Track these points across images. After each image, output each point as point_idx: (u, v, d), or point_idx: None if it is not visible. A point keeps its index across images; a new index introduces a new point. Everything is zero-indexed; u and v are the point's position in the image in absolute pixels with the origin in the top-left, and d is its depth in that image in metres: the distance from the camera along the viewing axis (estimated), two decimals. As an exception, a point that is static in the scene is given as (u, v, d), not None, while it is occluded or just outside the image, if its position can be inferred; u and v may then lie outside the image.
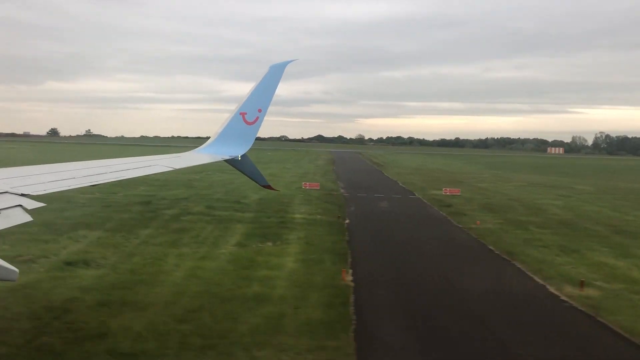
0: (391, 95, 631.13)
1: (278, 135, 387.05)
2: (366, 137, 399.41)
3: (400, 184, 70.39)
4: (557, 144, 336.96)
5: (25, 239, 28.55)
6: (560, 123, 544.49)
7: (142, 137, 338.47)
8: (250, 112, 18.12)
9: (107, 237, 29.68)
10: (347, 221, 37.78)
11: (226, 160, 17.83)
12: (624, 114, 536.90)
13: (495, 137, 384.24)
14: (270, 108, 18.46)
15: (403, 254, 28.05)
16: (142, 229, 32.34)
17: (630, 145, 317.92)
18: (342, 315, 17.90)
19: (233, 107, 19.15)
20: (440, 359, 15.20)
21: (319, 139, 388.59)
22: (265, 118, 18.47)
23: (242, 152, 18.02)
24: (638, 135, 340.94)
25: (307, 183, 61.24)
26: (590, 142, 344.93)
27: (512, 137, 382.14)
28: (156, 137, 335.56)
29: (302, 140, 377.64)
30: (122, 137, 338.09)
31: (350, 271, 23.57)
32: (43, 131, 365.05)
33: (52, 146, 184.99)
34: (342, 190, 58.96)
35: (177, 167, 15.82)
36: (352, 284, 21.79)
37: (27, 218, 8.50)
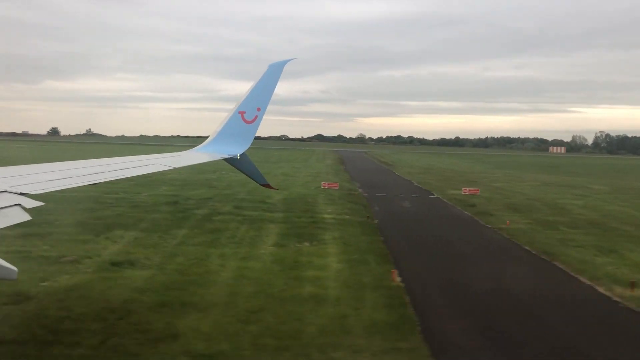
0: (390, 95, 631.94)
1: (278, 135, 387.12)
2: (366, 137, 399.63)
3: (416, 184, 70.42)
4: (557, 143, 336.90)
5: (64, 239, 28.68)
6: (559, 122, 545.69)
7: (141, 136, 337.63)
8: (249, 111, 18.16)
9: (144, 238, 29.74)
10: (375, 221, 37.80)
11: (225, 159, 17.86)
12: (623, 113, 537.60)
13: (495, 137, 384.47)
14: (269, 107, 18.47)
15: (442, 255, 28.09)
16: (176, 229, 32.38)
17: (631, 145, 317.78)
18: (403, 316, 17.95)
19: (232, 106, 19.14)
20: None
21: (319, 138, 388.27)
22: (264, 117, 18.55)
23: (241, 151, 18.07)
24: (638, 135, 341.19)
25: (326, 183, 61.27)
26: (590, 141, 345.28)
27: (511, 137, 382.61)
28: (157, 136, 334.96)
29: (302, 140, 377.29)
30: (123, 137, 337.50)
31: (396, 272, 23.59)
32: (41, 130, 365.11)
33: (57, 145, 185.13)
34: (360, 190, 58.98)
35: (177, 166, 15.84)
36: (401, 285, 21.82)
37: (26, 217, 8.50)
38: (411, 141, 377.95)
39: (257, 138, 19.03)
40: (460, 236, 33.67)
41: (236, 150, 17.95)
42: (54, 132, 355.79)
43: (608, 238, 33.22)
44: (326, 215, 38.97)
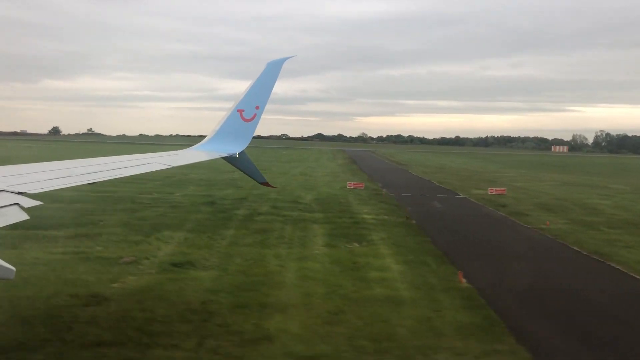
0: (389, 94, 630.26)
1: (279, 134, 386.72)
2: (362, 136, 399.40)
3: (436, 184, 70.39)
4: (557, 142, 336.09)
5: (115, 240, 28.73)
6: (558, 121, 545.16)
7: (140, 135, 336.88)
8: (248, 110, 18.09)
9: (194, 238, 29.75)
10: (413, 221, 37.78)
11: (224, 158, 17.79)
12: (621, 112, 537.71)
13: (496, 136, 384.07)
14: (268, 106, 18.43)
15: (497, 256, 28.11)
16: (223, 229, 32.39)
17: (631, 144, 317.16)
18: (487, 318, 17.96)
19: (230, 105, 19.03)
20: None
21: (319, 137, 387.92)
22: (263, 116, 18.47)
23: (240, 150, 17.98)
24: (638, 134, 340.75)
25: (351, 183, 61.28)
26: (590, 140, 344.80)
27: (511, 136, 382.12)
28: (158, 136, 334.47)
29: (302, 139, 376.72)
30: (124, 136, 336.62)
31: (462, 273, 23.53)
32: (40, 129, 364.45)
33: (63, 145, 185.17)
34: (384, 190, 58.90)
35: (175, 164, 15.80)
36: (468, 285, 21.82)
37: (24, 216, 8.39)
38: (411, 140, 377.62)
39: (258, 137, 19.01)
40: (505, 237, 33.68)
41: (235, 148, 17.93)
42: (55, 131, 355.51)
43: (653, 238, 33.22)
44: (365, 216, 38.95)
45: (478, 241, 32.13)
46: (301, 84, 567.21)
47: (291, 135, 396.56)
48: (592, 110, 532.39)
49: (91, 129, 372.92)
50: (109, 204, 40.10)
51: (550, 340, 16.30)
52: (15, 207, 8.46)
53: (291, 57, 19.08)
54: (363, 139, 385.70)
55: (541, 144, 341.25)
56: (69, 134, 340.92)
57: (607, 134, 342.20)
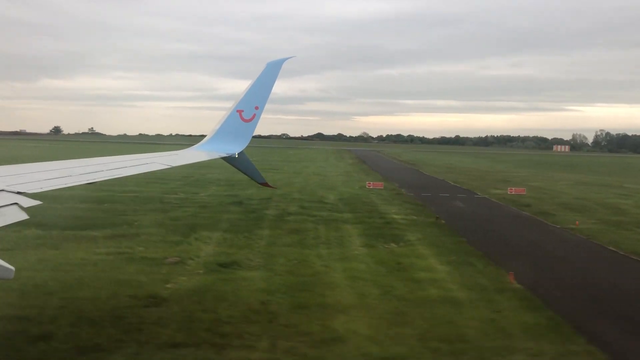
0: (388, 93, 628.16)
1: (279, 134, 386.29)
2: (363, 136, 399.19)
3: (452, 183, 70.40)
4: (557, 141, 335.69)
5: (154, 240, 28.76)
6: (557, 121, 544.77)
7: (140, 135, 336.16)
8: (247, 110, 18.12)
9: (232, 238, 29.76)
10: (442, 221, 37.77)
11: (223, 158, 17.82)
12: (620, 111, 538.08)
13: (496, 135, 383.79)
14: (267, 106, 18.49)
15: (537, 256, 28.12)
16: (257, 229, 32.41)
17: (631, 143, 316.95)
18: (551, 319, 17.98)
19: (229, 104, 19.12)
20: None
21: (320, 136, 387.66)
22: (262, 116, 18.51)
23: (240, 150, 18.01)
24: (637, 133, 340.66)
25: (371, 183, 61.31)
26: (590, 140, 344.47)
27: (511, 135, 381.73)
28: (159, 135, 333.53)
29: (302, 139, 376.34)
30: (125, 135, 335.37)
31: (513, 274, 23.48)
32: (39, 129, 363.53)
33: (69, 145, 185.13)
34: (403, 190, 58.87)
35: (175, 164, 15.84)
36: (519, 286, 21.83)
37: (23, 216, 8.42)
38: (411, 140, 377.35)
39: (258, 137, 19.02)
40: (538, 237, 33.68)
41: (234, 148, 17.94)
42: (57, 130, 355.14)
43: (687, 238, 33.24)
44: (394, 216, 38.96)
45: (513, 242, 32.15)
46: (300, 83, 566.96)
47: (291, 135, 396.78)
48: (591, 109, 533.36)
49: (92, 128, 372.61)
50: (138, 204, 40.12)
51: (621, 341, 16.33)
52: (15, 206, 8.50)
53: (290, 57, 19.12)
54: (364, 139, 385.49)
55: (541, 144, 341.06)
56: (69, 134, 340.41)
57: (607, 134, 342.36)
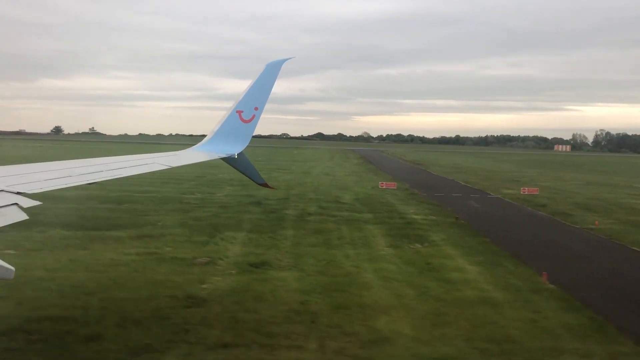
0: (387, 93, 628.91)
1: (279, 133, 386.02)
2: (364, 135, 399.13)
3: (462, 183, 70.44)
4: (557, 141, 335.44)
5: (181, 241, 28.81)
6: (556, 120, 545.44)
7: (140, 134, 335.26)
8: (247, 110, 18.08)
9: (257, 238, 29.83)
10: (461, 221, 37.80)
11: (223, 159, 17.83)
12: (619, 111, 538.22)
13: (496, 135, 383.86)
14: (267, 105, 18.46)
15: (563, 256, 28.22)
16: (280, 229, 32.47)
17: (631, 143, 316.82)
18: (592, 319, 18.01)
19: (229, 104, 19.09)
20: None
21: (320, 136, 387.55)
22: (262, 116, 18.47)
23: (239, 150, 17.99)
24: (638, 133, 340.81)
25: (384, 183, 61.36)
26: (590, 139, 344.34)
27: (510, 135, 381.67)
28: (159, 135, 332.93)
29: (303, 138, 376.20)
30: (126, 135, 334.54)
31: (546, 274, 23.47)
32: (38, 129, 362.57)
33: (72, 145, 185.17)
34: (416, 190, 58.92)
35: (174, 165, 15.88)
36: (552, 286, 21.86)
37: (23, 216, 8.35)
38: (412, 139, 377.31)
39: (258, 137, 18.95)
40: (560, 237, 33.71)
41: (234, 149, 17.90)
42: (57, 130, 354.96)
43: None
44: (414, 216, 39.00)
45: (537, 242, 32.16)
46: (300, 83, 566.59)
47: (291, 135, 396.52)
48: (590, 109, 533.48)
49: (93, 128, 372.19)
50: (157, 205, 40.17)
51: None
52: (14, 207, 8.50)
53: (290, 58, 19.12)
54: (365, 139, 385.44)
55: (541, 143, 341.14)
56: (69, 134, 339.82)
57: (608, 133, 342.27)
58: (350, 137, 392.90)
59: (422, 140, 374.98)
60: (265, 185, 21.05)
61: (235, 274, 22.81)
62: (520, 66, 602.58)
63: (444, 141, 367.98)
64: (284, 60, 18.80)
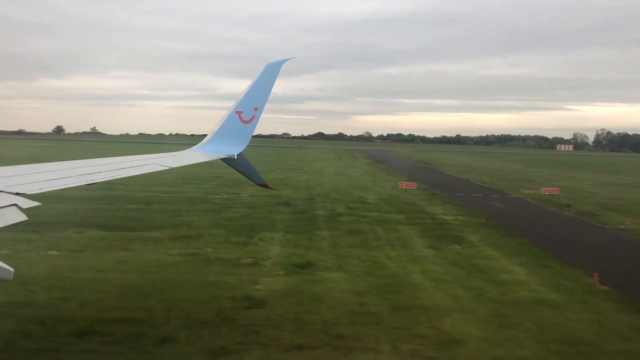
0: (386, 93, 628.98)
1: (280, 133, 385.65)
2: (365, 135, 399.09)
3: (479, 183, 70.36)
4: (558, 140, 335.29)
5: (220, 241, 28.80)
6: (555, 120, 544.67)
7: (140, 134, 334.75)
8: (247, 111, 18.09)
9: (294, 239, 29.79)
10: (492, 222, 37.73)
11: (222, 159, 17.83)
12: (618, 111, 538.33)
13: (496, 134, 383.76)
14: (266, 105, 18.48)
15: (604, 257, 28.13)
16: (315, 230, 32.43)
17: (632, 142, 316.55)
18: (657, 321, 17.97)
19: (228, 104, 19.12)
20: None
21: (320, 136, 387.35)
22: (262, 115, 18.50)
23: (239, 151, 17.99)
24: (638, 132, 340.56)
25: (404, 183, 61.32)
26: (591, 139, 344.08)
27: (511, 135, 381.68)
28: (161, 135, 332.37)
29: (303, 138, 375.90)
30: (127, 135, 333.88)
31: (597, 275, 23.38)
32: (37, 128, 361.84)
33: (76, 144, 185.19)
34: (435, 190, 58.82)
35: (174, 165, 15.85)
36: (605, 287, 21.78)
37: (22, 217, 8.28)
38: (412, 139, 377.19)
39: (259, 136, 18.87)
40: (593, 237, 33.68)
41: (233, 150, 17.89)
42: (59, 130, 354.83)
43: None
44: (444, 217, 38.97)
45: (573, 242, 32.08)
46: (299, 82, 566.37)
47: (292, 134, 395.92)
48: (589, 109, 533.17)
49: (94, 128, 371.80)
50: (186, 205, 40.13)
51: None
52: (14, 207, 8.46)
53: (289, 58, 19.12)
54: (366, 138, 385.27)
55: (542, 143, 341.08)
56: (69, 133, 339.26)
57: (608, 133, 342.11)
58: (351, 136, 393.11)
59: (423, 140, 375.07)
60: (264, 185, 21.04)
61: (283, 275, 22.77)
62: (520, 66, 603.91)
63: (444, 141, 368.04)
64: (283, 61, 18.81)
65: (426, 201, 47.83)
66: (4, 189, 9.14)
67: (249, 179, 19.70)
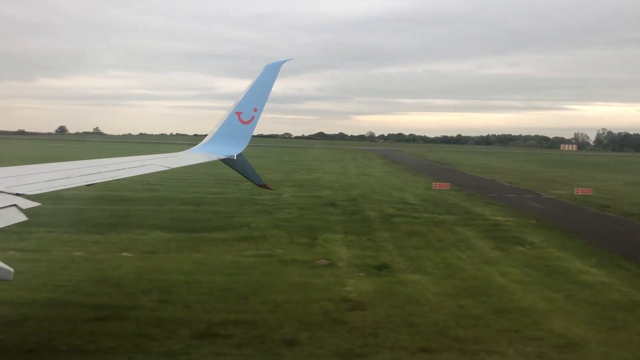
0: (385, 92, 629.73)
1: (281, 133, 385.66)
2: (366, 135, 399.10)
3: (506, 184, 70.27)
4: (559, 140, 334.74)
5: (285, 242, 28.84)
6: (555, 120, 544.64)
7: (140, 134, 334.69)
8: (246, 112, 18.12)
9: (357, 240, 29.81)
10: (542, 222, 37.70)
11: (222, 160, 17.88)
12: (618, 110, 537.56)
13: (497, 134, 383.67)
14: (266, 105, 18.51)
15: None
16: (373, 231, 32.43)
17: (634, 142, 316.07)
18: None
19: (228, 103, 19.32)
20: None
21: (321, 136, 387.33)
22: (261, 115, 18.55)
23: (238, 152, 18.05)
24: (638, 132, 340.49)
25: (437, 183, 61.31)
26: (592, 139, 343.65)
27: (511, 134, 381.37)
28: (162, 135, 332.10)
29: (304, 138, 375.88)
30: (130, 135, 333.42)
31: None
32: (37, 128, 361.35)
33: (95, 145, 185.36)
34: (469, 191, 58.72)
35: (173, 166, 15.94)
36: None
37: (22, 217, 8.32)
38: (414, 139, 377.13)
39: (260, 136, 18.87)
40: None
41: (233, 150, 17.95)
42: (62, 130, 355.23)
43: None
44: (494, 218, 38.96)
45: (635, 243, 32.07)
46: (298, 82, 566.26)
47: (293, 134, 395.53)
48: (588, 108, 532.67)
49: (97, 128, 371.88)
50: (236, 206, 40.14)
51: None
52: (13, 208, 8.49)
53: (289, 59, 19.13)
54: (370, 138, 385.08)
55: (543, 143, 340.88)
56: (70, 133, 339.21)
57: (609, 132, 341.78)
58: (352, 136, 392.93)
59: (424, 140, 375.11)
60: (264, 186, 21.04)
61: (364, 277, 22.75)
62: (519, 65, 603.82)
63: (445, 140, 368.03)
64: (282, 62, 18.80)
65: (467, 202, 47.81)
66: (4, 190, 9.20)
67: (248, 179, 19.78)
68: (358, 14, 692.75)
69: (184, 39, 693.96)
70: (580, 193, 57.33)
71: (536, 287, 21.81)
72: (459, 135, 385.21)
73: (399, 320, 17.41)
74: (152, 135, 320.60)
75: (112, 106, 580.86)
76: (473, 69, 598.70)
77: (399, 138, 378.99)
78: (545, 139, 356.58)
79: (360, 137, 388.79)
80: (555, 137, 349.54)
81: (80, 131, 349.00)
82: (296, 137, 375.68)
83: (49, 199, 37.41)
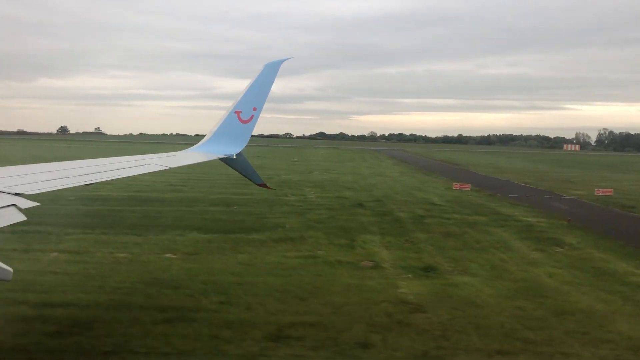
0: (385, 92, 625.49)
1: (282, 133, 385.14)
2: (366, 134, 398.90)
3: (523, 184, 70.13)
4: (560, 140, 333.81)
5: (324, 244, 28.82)
6: (555, 120, 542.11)
7: (140, 134, 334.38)
8: (245, 111, 18.12)
9: (396, 242, 29.78)
10: (573, 223, 37.62)
11: (221, 159, 17.85)
12: (618, 110, 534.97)
13: (498, 134, 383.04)
14: (265, 105, 18.49)
15: None
16: (409, 232, 32.38)
17: (635, 142, 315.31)
18: None
19: (227, 103, 19.16)
20: None
21: (322, 136, 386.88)
22: (261, 115, 18.51)
23: (238, 151, 18.02)
24: (639, 132, 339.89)
25: (457, 184, 61.21)
26: (593, 138, 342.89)
27: (512, 134, 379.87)
28: (163, 135, 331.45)
29: (305, 138, 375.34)
30: (131, 135, 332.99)
31: None
32: (37, 128, 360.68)
33: (100, 145, 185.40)
34: (489, 191, 58.57)
35: (172, 166, 15.93)
36: None
37: (21, 217, 8.30)
38: (415, 139, 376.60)
39: (261, 136, 18.77)
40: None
41: (232, 150, 17.93)
42: (63, 130, 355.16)
43: None
44: (526, 219, 38.86)
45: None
46: (298, 82, 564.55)
47: (293, 134, 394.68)
48: (588, 108, 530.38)
49: (98, 128, 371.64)
50: (265, 207, 40.06)
51: None
52: (13, 208, 8.48)
53: (288, 58, 19.11)
54: (372, 138, 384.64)
55: (544, 143, 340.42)
56: (70, 133, 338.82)
57: (610, 132, 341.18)
58: (353, 136, 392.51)
59: (425, 140, 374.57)
60: (263, 185, 20.99)
61: (414, 279, 22.70)
62: (519, 65, 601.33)
63: (447, 140, 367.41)
64: (282, 61, 18.80)
65: (492, 203, 47.73)
66: (3, 190, 9.19)
67: (248, 178, 19.76)
68: (358, 14, 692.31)
69: (184, 39, 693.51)
70: (601, 193, 57.24)
71: (588, 288, 21.75)
72: (460, 135, 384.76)
73: (464, 322, 17.35)
74: (153, 135, 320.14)
75: (112, 106, 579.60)
76: (473, 68, 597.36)
77: (400, 138, 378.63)
78: (546, 139, 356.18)
79: (361, 137, 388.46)
80: (557, 137, 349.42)
81: (81, 131, 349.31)
82: (297, 137, 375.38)
83: (77, 200, 37.62)
